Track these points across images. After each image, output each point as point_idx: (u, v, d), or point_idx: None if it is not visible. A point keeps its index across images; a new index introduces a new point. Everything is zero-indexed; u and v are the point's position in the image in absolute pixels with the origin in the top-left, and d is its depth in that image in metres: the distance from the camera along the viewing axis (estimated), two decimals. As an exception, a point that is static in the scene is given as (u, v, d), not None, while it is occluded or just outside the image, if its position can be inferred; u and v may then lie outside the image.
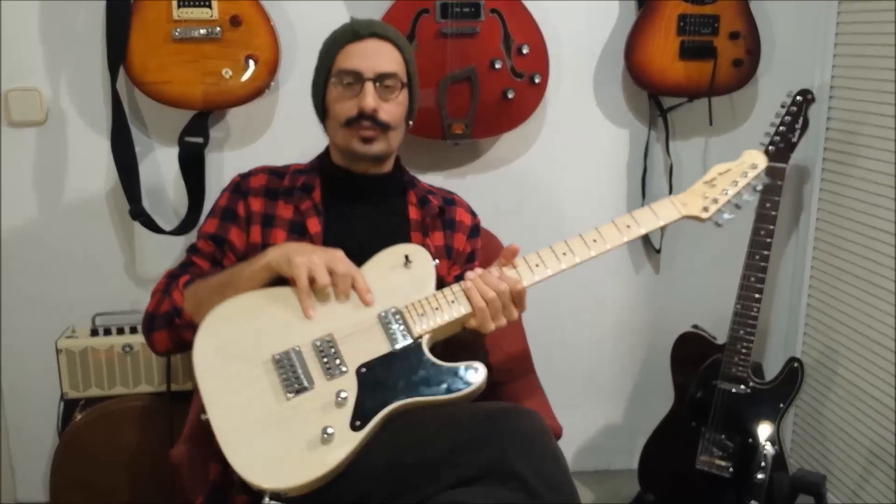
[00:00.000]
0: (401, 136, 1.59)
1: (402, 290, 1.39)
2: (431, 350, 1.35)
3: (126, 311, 2.12)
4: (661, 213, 1.44)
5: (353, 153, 1.54)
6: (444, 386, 1.29)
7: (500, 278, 1.37)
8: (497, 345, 1.66)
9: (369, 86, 1.50)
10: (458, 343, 1.42)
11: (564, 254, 1.41)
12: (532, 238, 2.22)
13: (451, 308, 1.36)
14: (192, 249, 1.57)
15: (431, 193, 1.67)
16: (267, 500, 1.20)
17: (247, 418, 1.26)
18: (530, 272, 1.40)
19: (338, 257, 1.37)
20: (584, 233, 1.43)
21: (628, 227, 1.42)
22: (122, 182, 2.00)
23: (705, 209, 1.45)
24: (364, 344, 1.33)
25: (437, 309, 1.36)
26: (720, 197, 1.45)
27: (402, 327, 1.34)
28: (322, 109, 1.58)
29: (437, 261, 1.47)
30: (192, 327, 1.40)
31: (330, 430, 1.22)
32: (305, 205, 1.56)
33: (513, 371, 1.70)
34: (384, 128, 1.52)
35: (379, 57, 1.51)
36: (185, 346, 1.44)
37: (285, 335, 1.33)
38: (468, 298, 1.36)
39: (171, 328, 1.46)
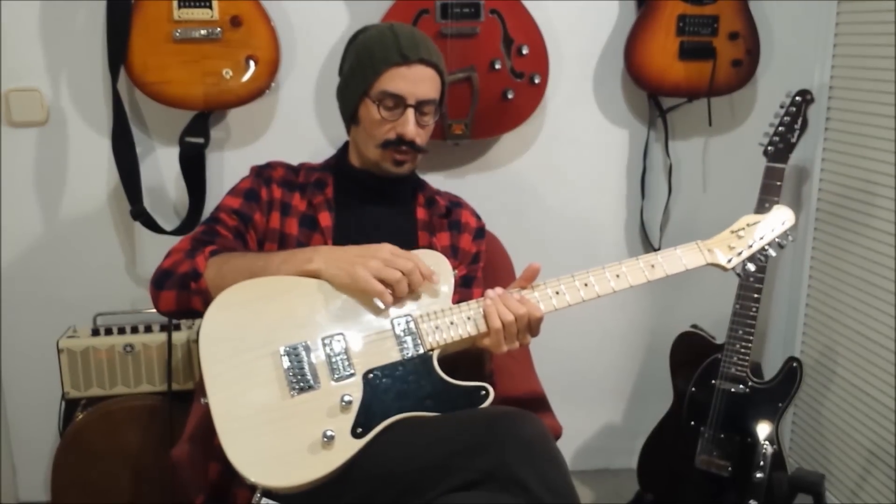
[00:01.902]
0: None
1: (419, 299, 1.37)
2: (439, 360, 1.33)
3: (127, 311, 2.13)
4: (686, 259, 1.44)
5: (383, 171, 1.58)
6: (451, 404, 1.28)
7: (521, 301, 1.34)
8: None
9: (411, 113, 1.52)
10: (465, 355, 1.41)
11: (586, 285, 1.39)
12: (531, 238, 2.25)
13: (467, 325, 1.35)
14: (215, 220, 1.54)
15: (439, 195, 1.71)
16: (258, 495, 1.21)
17: (247, 409, 1.25)
18: (550, 300, 1.38)
19: (395, 254, 1.35)
20: (608, 265, 1.41)
21: (652, 266, 1.42)
22: (122, 182, 2.01)
23: (729, 260, 1.46)
24: (374, 348, 1.32)
25: (452, 324, 1.34)
26: (745, 250, 1.46)
27: (414, 337, 1.33)
28: (352, 116, 1.59)
29: (456, 271, 1.47)
30: (204, 296, 1.38)
31: (330, 434, 1.22)
32: (318, 199, 1.59)
33: (512, 370, 1.70)
34: (417, 151, 1.56)
35: (423, 84, 1.52)
36: (189, 314, 1.44)
37: (297, 328, 1.31)
38: (485, 317, 1.34)
39: (182, 290, 1.41)
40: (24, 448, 2.23)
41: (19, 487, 2.26)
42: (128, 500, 2.02)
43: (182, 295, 1.41)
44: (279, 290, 1.35)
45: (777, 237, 1.48)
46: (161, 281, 1.44)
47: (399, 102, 1.52)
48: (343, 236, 1.54)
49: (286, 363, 1.28)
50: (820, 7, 2.20)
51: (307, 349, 1.30)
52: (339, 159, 1.68)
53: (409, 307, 1.36)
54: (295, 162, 1.71)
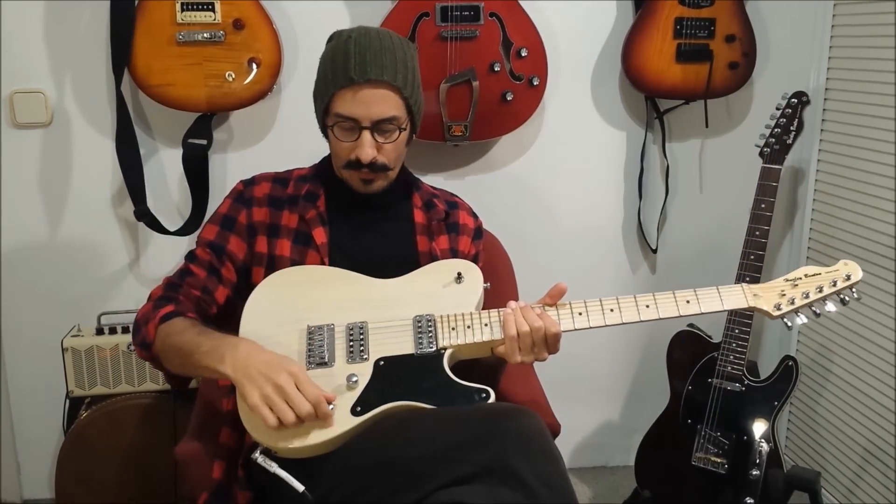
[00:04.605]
0: (402, 160, 1.58)
1: (444, 302, 1.43)
2: (454, 363, 1.38)
3: (131, 311, 2.11)
4: (726, 299, 1.40)
5: (353, 189, 1.54)
6: (450, 401, 1.32)
7: (540, 316, 1.37)
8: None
9: (366, 136, 1.46)
10: (482, 363, 1.45)
11: (612, 310, 1.40)
12: (530, 239, 2.27)
13: (483, 330, 1.39)
14: (191, 257, 1.54)
15: (435, 196, 1.67)
16: (258, 453, 1.28)
17: None
18: (571, 319, 1.40)
19: (299, 381, 1.27)
20: (639, 296, 1.40)
21: (688, 302, 1.39)
22: (126, 183, 2.02)
23: (778, 307, 1.40)
24: (391, 339, 1.39)
25: (468, 327, 1.39)
26: (799, 299, 1.39)
27: (430, 335, 1.39)
28: (323, 133, 1.56)
29: (489, 284, 1.49)
30: (157, 362, 1.44)
31: (331, 408, 1.28)
32: (310, 214, 1.55)
33: (511, 368, 1.72)
34: (381, 170, 1.51)
35: (376, 104, 1.45)
36: (154, 367, 1.49)
37: (328, 311, 1.42)
38: (503, 325, 1.37)
39: (141, 352, 1.46)
40: (28, 446, 2.25)
41: (24, 485, 2.27)
42: (131, 497, 2.03)
43: (142, 355, 1.47)
44: (321, 278, 1.48)
45: (839, 291, 1.39)
46: (133, 333, 1.47)
47: (354, 124, 1.46)
48: (340, 251, 1.53)
49: (308, 339, 1.39)
50: (816, 9, 2.22)
51: (331, 330, 1.40)
52: (326, 168, 1.62)
53: (433, 307, 1.42)
54: (296, 164, 1.68)
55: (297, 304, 1.43)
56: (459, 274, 1.46)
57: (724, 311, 1.41)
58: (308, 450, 1.28)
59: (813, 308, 1.41)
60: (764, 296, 1.41)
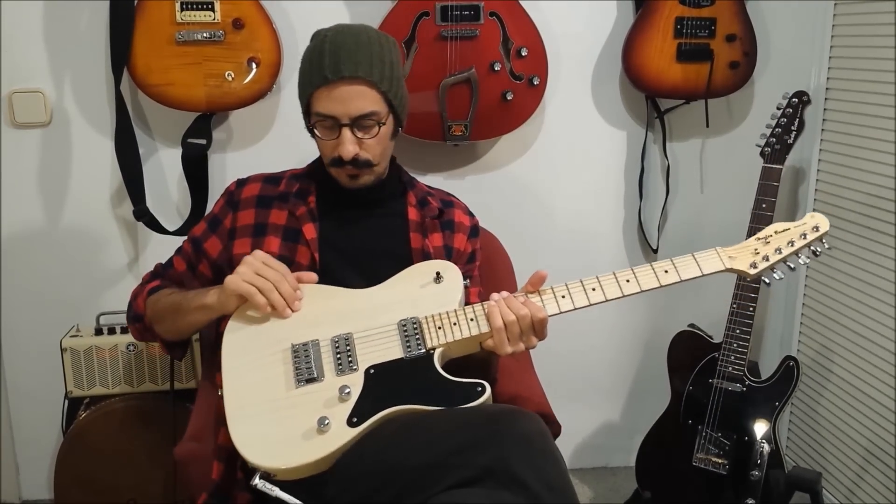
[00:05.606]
0: (389, 155, 1.59)
1: (427, 303, 1.42)
2: (446, 364, 1.37)
3: (130, 311, 2.14)
4: (703, 264, 1.40)
5: (341, 186, 1.56)
6: (447, 400, 1.31)
7: (524, 303, 1.37)
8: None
9: (346, 133, 1.47)
10: (472, 359, 1.44)
11: (594, 290, 1.40)
12: (530, 238, 2.27)
13: (470, 325, 1.38)
14: (179, 249, 1.64)
15: (430, 195, 1.67)
16: (257, 478, 1.25)
17: (255, 398, 1.34)
18: (555, 303, 1.40)
19: (265, 263, 1.42)
20: (618, 272, 1.40)
21: (666, 272, 1.40)
22: (125, 183, 2.03)
23: (753, 265, 1.40)
24: (379, 347, 1.37)
25: (455, 324, 1.38)
26: (772, 255, 1.40)
27: (417, 337, 1.37)
28: (310, 131, 1.57)
29: (468, 281, 1.48)
30: (151, 332, 1.58)
31: (327, 422, 1.27)
32: (300, 210, 1.56)
33: (511, 369, 1.72)
34: (367, 165, 1.52)
35: (353, 100, 1.46)
36: (150, 340, 1.63)
37: (310, 328, 1.40)
38: (488, 318, 1.37)
39: (135, 326, 1.61)
40: (27, 446, 2.25)
41: (22, 485, 2.27)
42: (130, 498, 2.03)
43: (136, 329, 1.62)
44: (303, 294, 1.45)
45: (810, 244, 1.42)
46: (127, 313, 1.63)
47: (333, 122, 1.47)
48: (330, 246, 1.53)
49: (294, 358, 1.37)
50: (816, 9, 2.22)
51: (316, 346, 1.38)
52: (317, 167, 1.64)
53: (417, 310, 1.41)
54: (295, 164, 1.69)
55: (277, 324, 1.41)
56: (438, 273, 1.44)
57: (703, 275, 1.41)
58: (307, 468, 1.26)
59: (787, 262, 1.43)
60: (738, 256, 1.42)
